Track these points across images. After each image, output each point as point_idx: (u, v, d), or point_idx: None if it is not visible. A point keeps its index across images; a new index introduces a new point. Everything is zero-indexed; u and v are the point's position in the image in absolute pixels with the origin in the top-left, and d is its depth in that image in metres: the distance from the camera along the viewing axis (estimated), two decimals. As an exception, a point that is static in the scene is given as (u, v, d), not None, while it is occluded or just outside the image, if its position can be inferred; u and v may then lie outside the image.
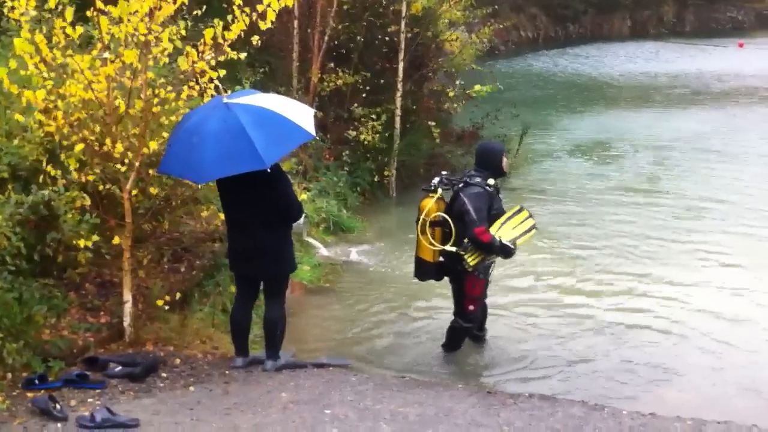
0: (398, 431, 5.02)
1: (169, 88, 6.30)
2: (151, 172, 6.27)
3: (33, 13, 5.53)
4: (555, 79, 28.42)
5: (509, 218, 6.54)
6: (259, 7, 6.02)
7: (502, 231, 6.44)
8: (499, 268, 7.15)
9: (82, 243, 5.80)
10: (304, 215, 6.31)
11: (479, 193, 6.37)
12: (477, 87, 13.90)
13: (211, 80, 6.21)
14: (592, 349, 7.16)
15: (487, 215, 6.37)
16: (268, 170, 5.51)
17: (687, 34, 42.78)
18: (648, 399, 6.15)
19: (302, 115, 5.94)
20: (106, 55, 5.70)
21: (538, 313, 7.33)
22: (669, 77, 28.48)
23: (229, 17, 6.00)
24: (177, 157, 5.80)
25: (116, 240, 6.05)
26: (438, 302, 8.25)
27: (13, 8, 5.57)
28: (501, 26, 17.01)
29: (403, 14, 12.91)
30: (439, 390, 5.89)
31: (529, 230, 6.59)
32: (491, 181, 6.47)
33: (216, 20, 6.00)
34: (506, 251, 6.39)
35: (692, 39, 39.99)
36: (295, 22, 12.36)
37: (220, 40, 5.95)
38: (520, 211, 6.62)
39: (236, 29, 5.99)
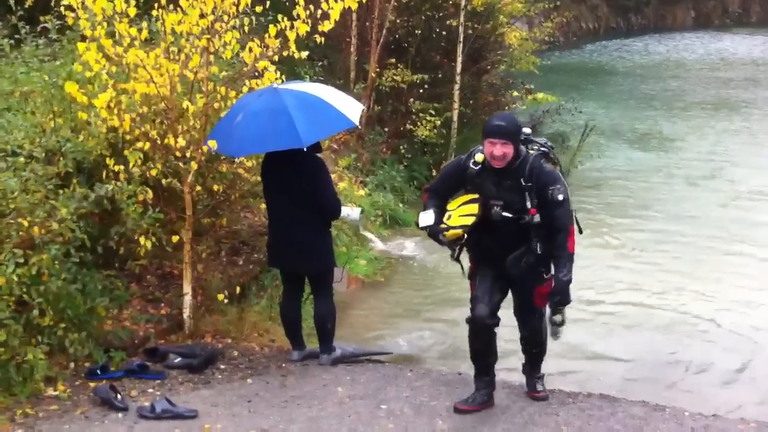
0: (454, 428, 4.99)
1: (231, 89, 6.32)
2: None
3: (99, 17, 5.60)
4: (614, 70, 27.94)
5: (465, 203, 5.23)
6: (324, 6, 6.02)
7: (454, 214, 5.27)
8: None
9: (142, 240, 5.89)
10: (360, 209, 6.27)
11: (450, 162, 5.67)
12: (540, 95, 13.86)
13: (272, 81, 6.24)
14: (653, 348, 7.03)
15: (449, 187, 5.40)
16: (305, 149, 5.55)
17: (753, 25, 41.67)
18: (711, 400, 6.02)
19: (348, 105, 6.02)
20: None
21: (597, 310, 7.22)
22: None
23: (294, 12, 6.01)
24: (221, 133, 5.93)
25: (175, 238, 6.13)
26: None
27: (79, 6, 5.64)
28: (563, 18, 16.82)
29: (462, 6, 12.83)
30: (496, 387, 5.83)
31: (459, 227, 5.17)
32: (479, 157, 5.05)
33: (279, 16, 6.03)
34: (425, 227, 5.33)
35: (758, 29, 38.95)
36: (354, 15, 12.38)
37: (288, 33, 5.99)
38: (474, 201, 5.15)
39: (301, 30, 6.01)
